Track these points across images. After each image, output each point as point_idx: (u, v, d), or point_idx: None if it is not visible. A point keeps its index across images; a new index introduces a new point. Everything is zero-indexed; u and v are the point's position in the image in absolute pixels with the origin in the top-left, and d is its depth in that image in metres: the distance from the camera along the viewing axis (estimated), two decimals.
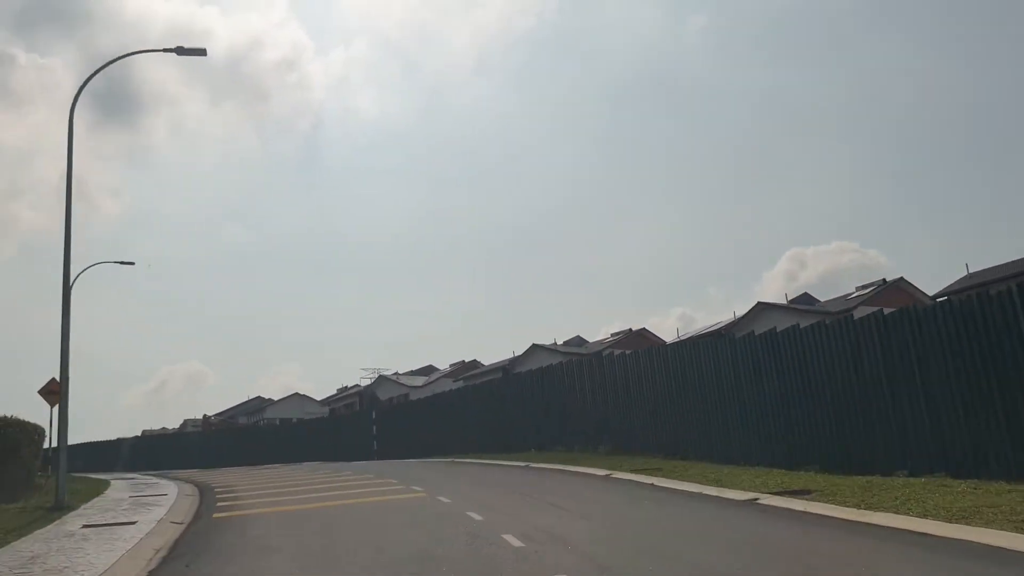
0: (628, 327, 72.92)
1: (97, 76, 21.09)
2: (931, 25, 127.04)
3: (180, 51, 20.08)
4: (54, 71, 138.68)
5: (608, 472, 19.77)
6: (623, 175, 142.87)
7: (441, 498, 15.80)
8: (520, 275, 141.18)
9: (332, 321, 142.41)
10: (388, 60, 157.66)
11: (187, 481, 26.83)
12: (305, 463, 38.54)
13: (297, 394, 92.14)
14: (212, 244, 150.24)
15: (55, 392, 34.50)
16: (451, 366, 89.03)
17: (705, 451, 20.82)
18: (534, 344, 70.58)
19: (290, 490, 20.47)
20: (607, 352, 32.19)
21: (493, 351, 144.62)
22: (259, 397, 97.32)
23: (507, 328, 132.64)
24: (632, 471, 19.26)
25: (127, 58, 21.70)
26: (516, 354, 69.97)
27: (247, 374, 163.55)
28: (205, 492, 21.55)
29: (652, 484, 16.56)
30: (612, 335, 74.98)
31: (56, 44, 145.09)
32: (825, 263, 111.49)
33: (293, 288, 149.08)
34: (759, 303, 52.12)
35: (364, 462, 35.82)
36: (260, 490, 21.22)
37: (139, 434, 75.09)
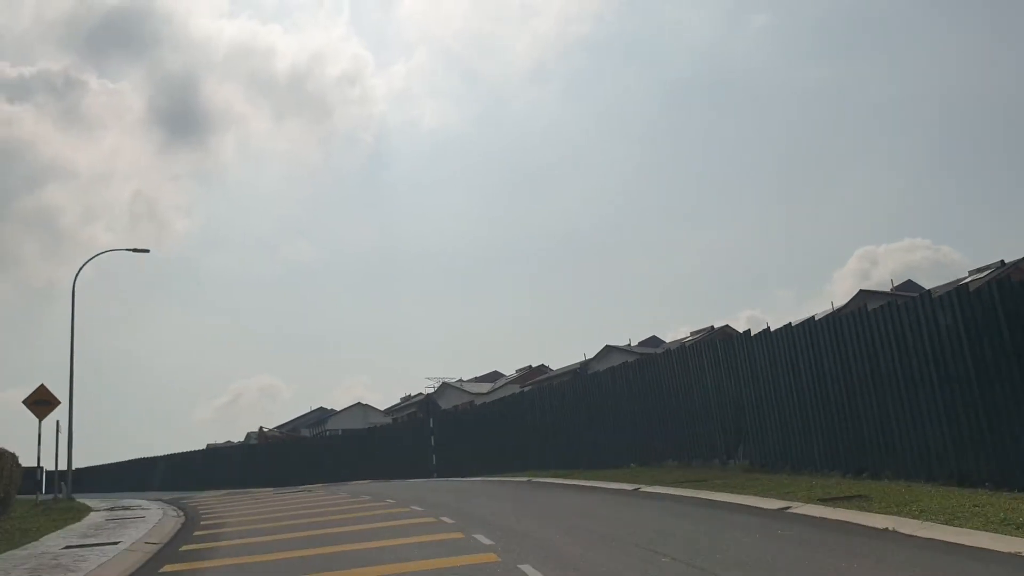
0: (709, 324, 67.09)
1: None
2: (996, 12, 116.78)
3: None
4: (124, 95, 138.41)
5: (784, 504, 11.99)
6: (684, 177, 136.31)
7: (525, 568, 8.20)
8: (583, 280, 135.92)
9: (398, 331, 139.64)
10: (447, 70, 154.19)
11: (178, 511, 19.88)
12: (351, 483, 31.35)
13: (360, 404, 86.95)
14: (280, 259, 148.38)
15: (47, 402, 28.17)
16: (517, 371, 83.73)
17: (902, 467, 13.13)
18: (607, 345, 65.58)
19: (294, 536, 13.04)
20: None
21: (560, 356, 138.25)
22: (321, 408, 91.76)
23: (571, 334, 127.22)
24: (824, 500, 11.56)
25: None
26: (588, 357, 64.72)
27: (318, 387, 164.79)
28: (176, 538, 14.33)
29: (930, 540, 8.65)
30: (692, 333, 69.32)
31: (125, 68, 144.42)
32: (897, 260, 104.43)
33: (360, 300, 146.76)
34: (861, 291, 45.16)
35: (420, 481, 28.52)
36: (255, 535, 13.84)
37: (204, 448, 70.63)
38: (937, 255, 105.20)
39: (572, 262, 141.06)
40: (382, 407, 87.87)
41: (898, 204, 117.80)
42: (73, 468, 67.67)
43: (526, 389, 58.24)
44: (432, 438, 33.19)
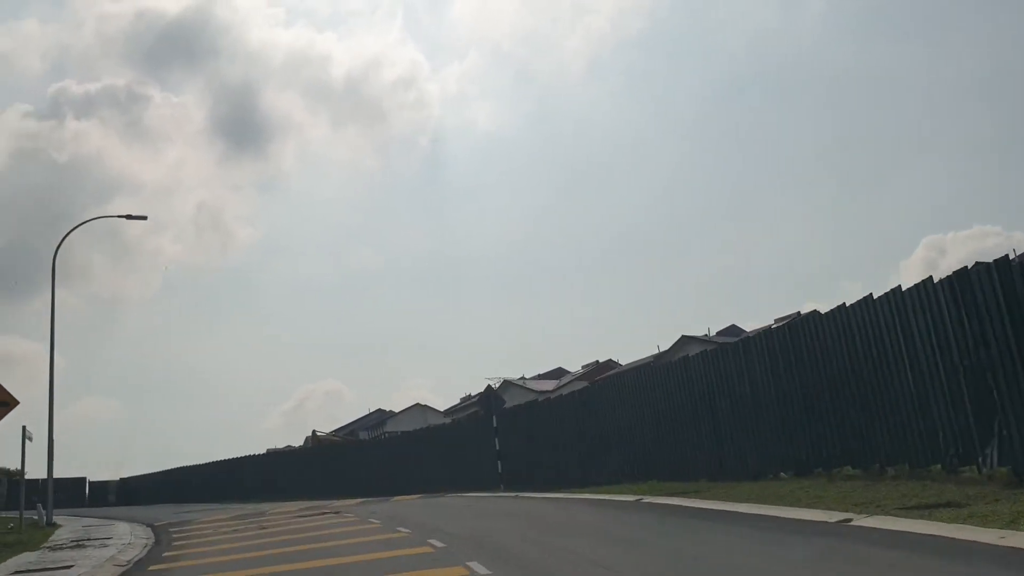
0: (796, 311, 60.03)
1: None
2: None
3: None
4: (186, 107, 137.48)
5: None
6: (744, 170, 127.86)
7: None
8: (646, 275, 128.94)
9: (458, 333, 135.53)
10: (500, 70, 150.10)
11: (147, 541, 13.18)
12: (397, 500, 24.40)
13: (419, 404, 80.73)
14: (341, 265, 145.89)
15: (4, 403, 21.99)
16: (583, 367, 77.22)
17: None
18: (684, 336, 59.11)
19: None
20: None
21: (628, 351, 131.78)
22: (380, 410, 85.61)
23: (636, 328, 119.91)
24: None
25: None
26: (661, 349, 58.70)
27: (380, 390, 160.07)
28: None
29: None
30: (776, 320, 61.54)
31: (185, 80, 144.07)
32: (966, 248, 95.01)
33: (419, 303, 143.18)
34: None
35: (487, 500, 21.33)
36: None
37: (263, 452, 65.43)
38: (1010, 242, 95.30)
39: (633, 258, 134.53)
40: (442, 408, 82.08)
41: (966, 190, 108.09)
42: (132, 475, 61.67)
43: (594, 383, 51.53)
44: (496, 439, 25.99)
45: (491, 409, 25.83)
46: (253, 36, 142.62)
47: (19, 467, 79.22)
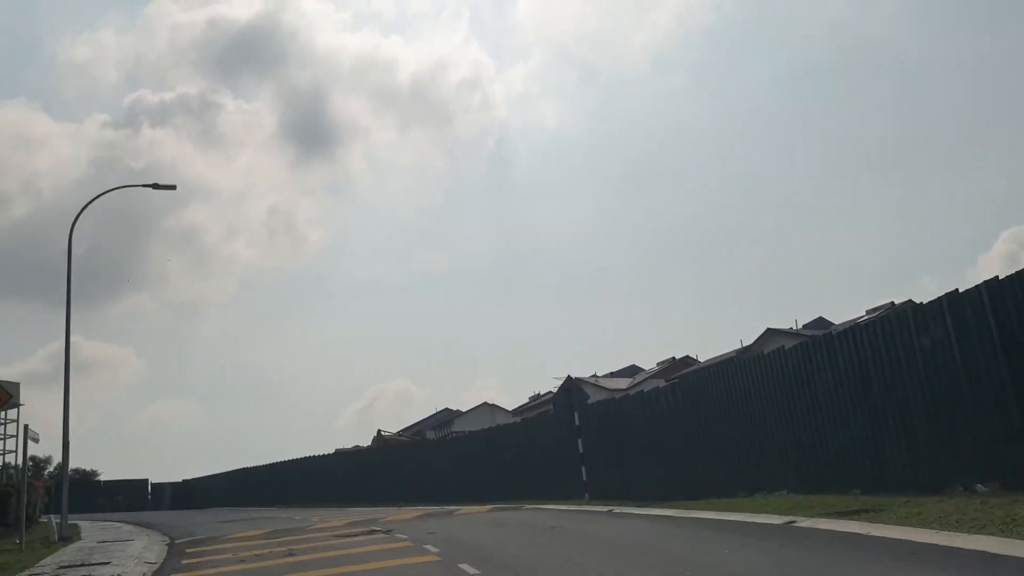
0: (889, 301, 54.89)
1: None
2: None
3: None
4: (257, 114, 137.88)
5: None
6: (816, 162, 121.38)
7: None
8: (719, 271, 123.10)
9: (526, 333, 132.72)
10: (565, 69, 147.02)
11: None
12: (464, 513, 20.17)
13: (486, 404, 77.04)
14: (409, 266, 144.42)
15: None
16: (659, 365, 72.48)
17: None
18: (769, 328, 54.73)
19: None
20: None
21: (706, 348, 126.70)
22: (447, 409, 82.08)
23: (712, 325, 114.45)
24: None
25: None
26: (744, 343, 54.34)
27: (449, 390, 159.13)
28: None
29: None
30: (868, 311, 56.98)
31: (256, 87, 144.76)
32: None
33: (487, 304, 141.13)
34: None
35: (569, 512, 16.95)
36: None
37: (328, 453, 62.26)
38: None
39: (706, 253, 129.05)
40: (510, 408, 78.02)
41: None
42: (195, 477, 58.77)
43: (671, 381, 46.58)
44: (579, 442, 21.47)
45: (572, 405, 21.31)
46: (321, 41, 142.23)
47: (88, 469, 76.87)
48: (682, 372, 59.70)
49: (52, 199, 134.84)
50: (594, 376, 71.43)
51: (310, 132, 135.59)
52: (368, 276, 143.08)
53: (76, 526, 29.69)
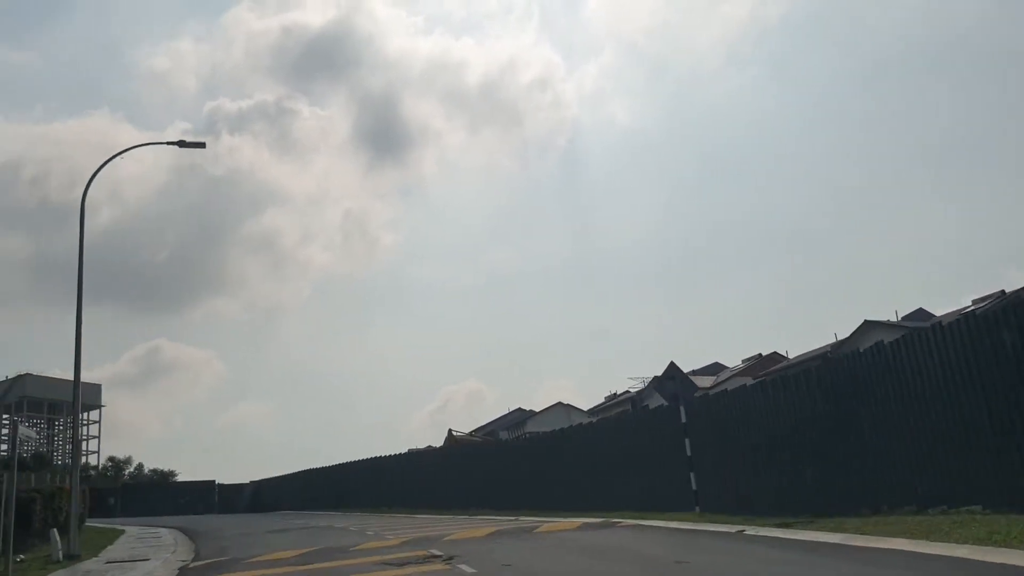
0: (1000, 289, 49.08)
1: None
2: None
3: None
4: (332, 119, 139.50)
5: None
6: (895, 156, 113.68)
7: None
8: (800, 267, 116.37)
9: (600, 333, 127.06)
10: (636, 66, 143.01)
11: None
12: (552, 523, 16.18)
13: (561, 403, 73.05)
14: (481, 267, 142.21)
15: None
16: (744, 362, 67.48)
17: None
18: (867, 320, 49.14)
19: None
20: None
21: (794, 345, 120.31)
22: (519, 409, 78.33)
23: (793, 322, 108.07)
24: None
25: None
26: (839, 337, 49.31)
27: (521, 391, 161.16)
28: None
29: None
30: (974, 301, 51.15)
31: (330, 92, 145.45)
32: None
33: (560, 304, 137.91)
34: None
35: (682, 531, 12.77)
36: None
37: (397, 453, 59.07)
38: None
39: (787, 247, 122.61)
40: (583, 407, 73.95)
41: None
42: (265, 477, 55.71)
43: (760, 379, 41.54)
44: (687, 442, 17.04)
45: (678, 396, 16.96)
46: (393, 45, 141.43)
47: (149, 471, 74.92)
48: (770, 370, 54.86)
49: (136, 207, 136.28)
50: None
51: (383, 136, 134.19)
52: (440, 278, 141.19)
53: (116, 532, 26.75)
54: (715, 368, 70.46)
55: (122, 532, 27.14)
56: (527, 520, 19.72)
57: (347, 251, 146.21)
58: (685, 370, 65.19)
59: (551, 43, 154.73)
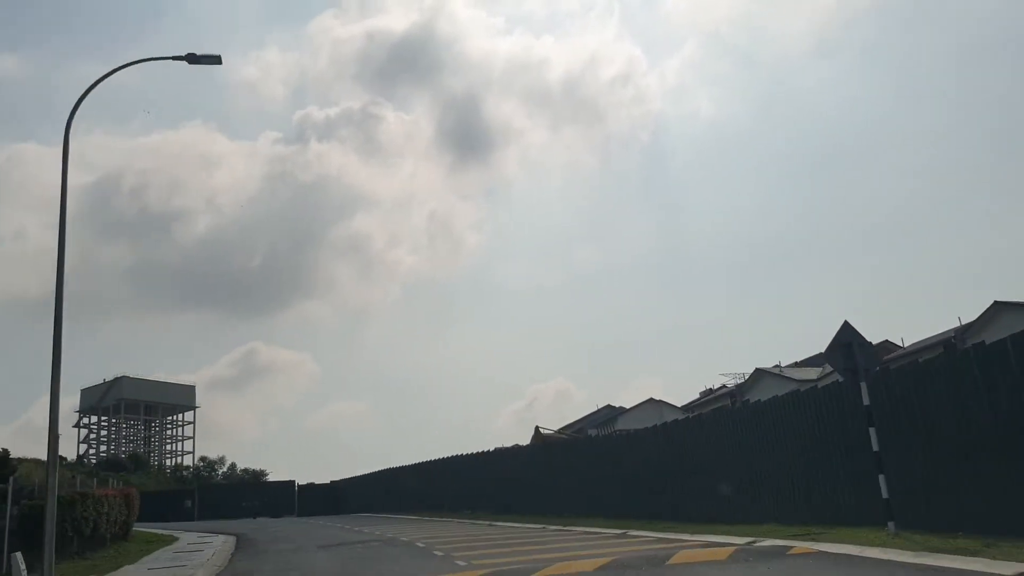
0: None
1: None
2: None
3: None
4: (416, 123, 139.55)
5: None
6: (995, 137, 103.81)
7: None
8: (895, 258, 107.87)
9: (689, 330, 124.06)
10: (720, 58, 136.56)
11: None
12: (689, 552, 11.37)
13: (652, 399, 67.49)
14: (566, 265, 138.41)
15: None
16: None
17: None
18: (996, 302, 42.34)
19: None
20: None
21: (903, 332, 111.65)
22: (609, 406, 73.12)
23: (896, 312, 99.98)
24: None
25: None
26: (963, 321, 43.29)
27: (609, 389, 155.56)
28: None
29: None
30: None
31: (414, 96, 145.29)
32: None
33: (647, 300, 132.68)
34: None
35: (907, 570, 7.83)
36: None
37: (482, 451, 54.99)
38: None
39: (884, 240, 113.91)
40: (679, 404, 68.37)
41: None
42: (344, 477, 51.91)
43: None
44: (872, 433, 11.70)
45: (856, 370, 11.89)
46: (475, 47, 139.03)
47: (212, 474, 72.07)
48: (884, 358, 48.75)
49: (230, 215, 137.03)
50: (778, 367, 60.78)
51: (465, 137, 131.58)
52: (525, 277, 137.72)
53: (163, 541, 23.11)
54: (819, 359, 64.22)
55: (171, 541, 23.54)
56: (641, 536, 14.99)
57: (433, 252, 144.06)
58: (783, 363, 58.18)
59: (632, 38, 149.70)
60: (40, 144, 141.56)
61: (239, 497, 49.58)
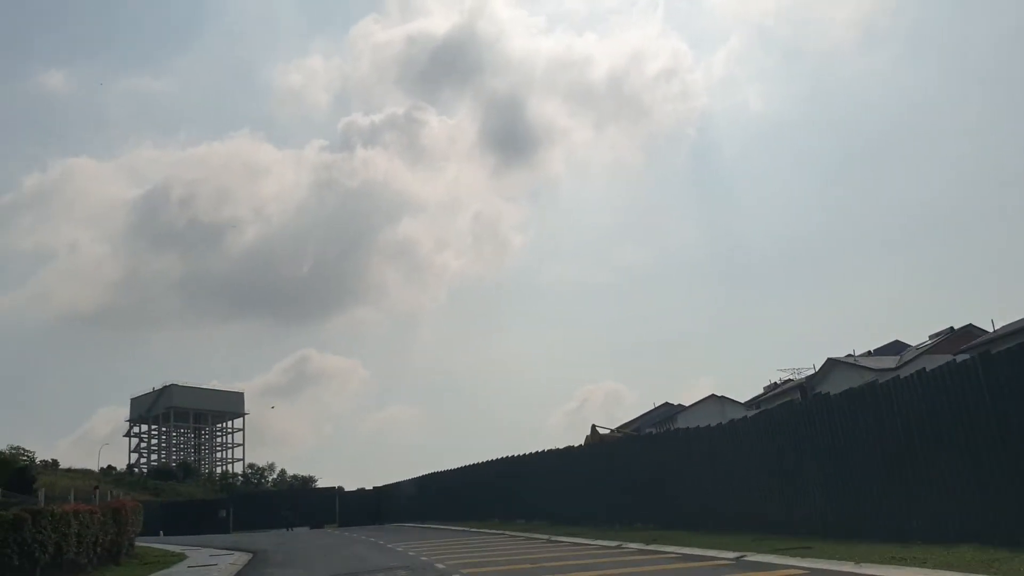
0: None
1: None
2: None
3: None
4: (459, 126, 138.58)
5: None
6: None
7: None
8: (958, 249, 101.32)
9: (743, 327, 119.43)
10: (766, 50, 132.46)
11: None
12: None
13: (713, 396, 63.00)
14: (613, 264, 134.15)
15: None
16: (931, 338, 55.08)
17: None
18: None
19: None
20: None
21: (985, 317, 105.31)
22: (667, 403, 68.44)
23: (980, 295, 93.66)
24: None
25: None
26: None
27: (662, 390, 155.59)
28: None
29: None
30: None
31: (456, 99, 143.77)
32: None
33: (697, 298, 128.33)
34: None
35: None
36: None
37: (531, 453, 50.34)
38: None
39: (943, 232, 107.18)
40: (742, 400, 63.03)
41: None
42: (393, 482, 47.28)
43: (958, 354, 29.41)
44: None
45: None
46: (516, 46, 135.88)
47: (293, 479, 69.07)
48: (969, 344, 43.04)
49: (278, 223, 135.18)
50: (851, 356, 55.26)
51: (509, 138, 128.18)
52: (572, 277, 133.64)
53: (169, 558, 19.06)
54: (897, 346, 58.29)
55: (171, 562, 19.45)
56: (762, 559, 10.31)
57: (478, 255, 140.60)
58: (856, 352, 51.98)
59: (676, 32, 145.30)
60: (91, 158, 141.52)
61: (277, 506, 45.66)
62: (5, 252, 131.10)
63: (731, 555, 11.86)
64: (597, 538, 17.80)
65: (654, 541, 15.37)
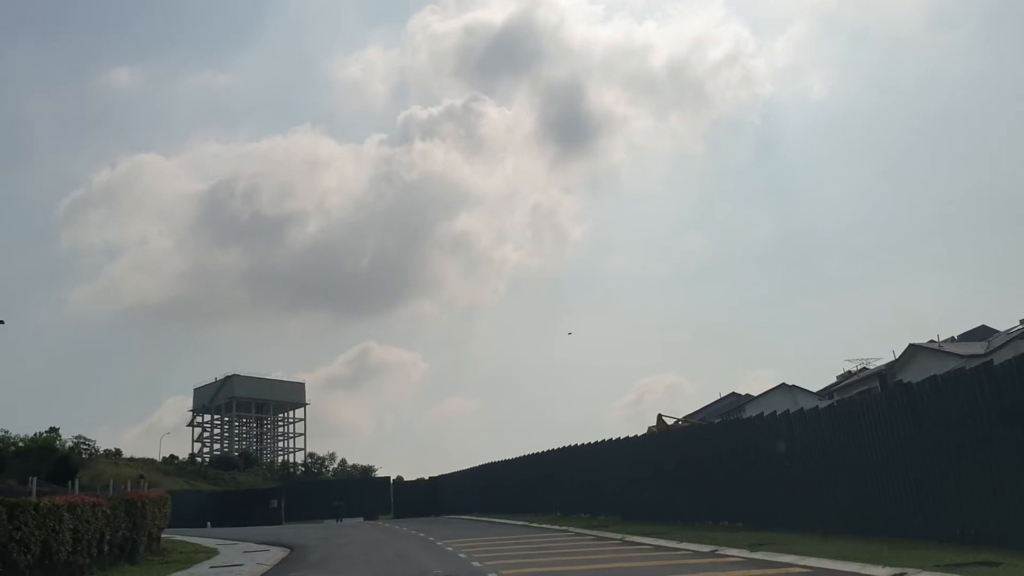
0: None
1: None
2: None
3: None
4: (518, 117, 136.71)
5: None
6: None
7: None
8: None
9: (810, 317, 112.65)
10: (831, 36, 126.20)
11: None
12: None
13: (784, 385, 58.87)
14: (674, 255, 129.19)
15: None
16: (1022, 322, 49.72)
17: None
18: None
19: None
20: None
21: None
22: (734, 393, 64.50)
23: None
24: None
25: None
26: None
27: (724, 379, 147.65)
28: None
29: None
30: None
31: (514, 89, 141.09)
32: None
33: (761, 288, 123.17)
34: None
35: None
36: None
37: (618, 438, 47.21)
38: None
39: (1012, 217, 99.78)
40: (814, 390, 58.83)
41: None
42: (443, 473, 44.37)
43: None
44: None
45: None
46: (574, 34, 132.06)
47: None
48: None
49: (339, 217, 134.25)
50: (933, 342, 50.69)
51: (567, 128, 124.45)
52: (632, 268, 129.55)
53: (194, 557, 16.59)
54: (984, 332, 53.32)
55: (198, 560, 16.93)
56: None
57: (537, 247, 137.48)
58: (940, 338, 46.67)
59: (738, 18, 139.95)
60: (158, 154, 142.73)
61: (330, 496, 43.39)
62: (77, 247, 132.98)
63: (884, 572, 8.63)
64: (682, 539, 14.65)
65: (759, 546, 12.18)
